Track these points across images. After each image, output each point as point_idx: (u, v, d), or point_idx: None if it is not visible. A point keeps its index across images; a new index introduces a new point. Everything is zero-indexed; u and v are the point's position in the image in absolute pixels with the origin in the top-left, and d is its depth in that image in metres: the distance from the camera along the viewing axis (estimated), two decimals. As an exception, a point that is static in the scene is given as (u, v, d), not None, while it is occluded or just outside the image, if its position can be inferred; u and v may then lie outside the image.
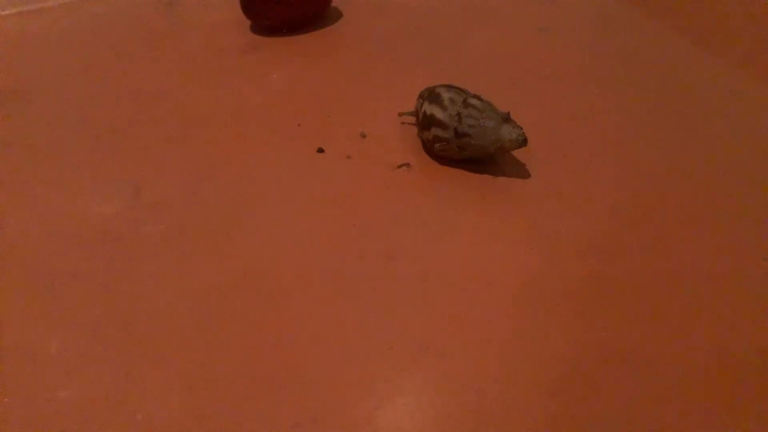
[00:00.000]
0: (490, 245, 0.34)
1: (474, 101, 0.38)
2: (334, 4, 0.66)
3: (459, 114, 0.37)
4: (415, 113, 0.42)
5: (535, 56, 0.53)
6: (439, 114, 0.38)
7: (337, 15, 0.64)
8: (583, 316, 0.29)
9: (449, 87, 0.40)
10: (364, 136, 0.44)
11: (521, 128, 0.36)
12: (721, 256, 0.32)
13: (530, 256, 0.33)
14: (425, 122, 0.39)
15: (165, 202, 0.38)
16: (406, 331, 0.29)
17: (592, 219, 0.35)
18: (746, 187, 0.37)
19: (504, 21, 0.60)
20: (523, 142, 0.36)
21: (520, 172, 0.39)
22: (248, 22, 0.63)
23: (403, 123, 0.45)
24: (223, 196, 0.39)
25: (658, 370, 0.27)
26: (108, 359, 0.29)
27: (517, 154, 0.40)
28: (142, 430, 0.26)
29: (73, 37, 0.62)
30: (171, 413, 0.26)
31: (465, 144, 0.37)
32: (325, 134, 0.44)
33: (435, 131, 0.38)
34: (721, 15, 0.59)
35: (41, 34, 0.63)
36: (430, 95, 0.40)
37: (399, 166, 0.40)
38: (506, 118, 0.37)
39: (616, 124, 0.43)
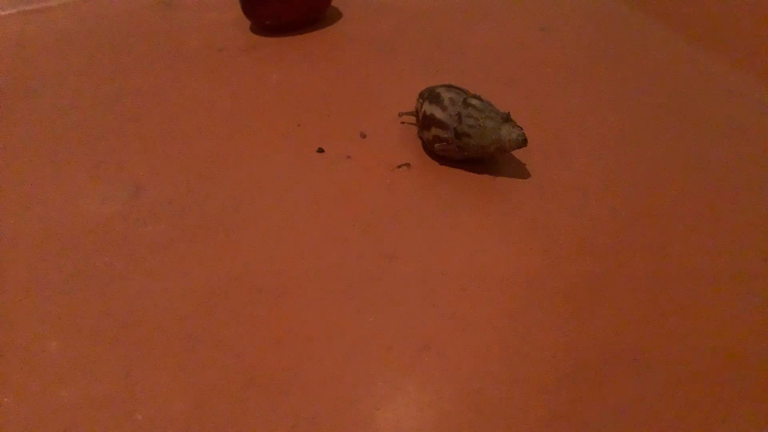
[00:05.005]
0: (490, 245, 0.34)
1: (474, 101, 0.38)
2: (334, 4, 0.66)
3: (459, 114, 0.37)
4: (415, 113, 0.42)
5: (535, 56, 0.53)
6: (439, 114, 0.38)
7: (337, 15, 0.64)
8: (583, 316, 0.29)
9: (449, 87, 0.40)
10: (364, 136, 0.44)
11: (521, 128, 0.36)
12: (721, 256, 0.32)
13: (530, 256, 0.33)
14: (425, 122, 0.39)
15: (165, 202, 0.38)
16: (406, 331, 0.29)
17: (592, 219, 0.35)
18: (746, 187, 0.37)
19: (504, 21, 0.60)
20: (523, 142, 0.36)
21: (520, 172, 0.39)
22: (248, 22, 0.63)
23: (403, 123, 0.45)
24: (223, 196, 0.39)
25: (658, 369, 0.27)
26: (108, 359, 0.29)
27: (517, 154, 0.40)
28: (142, 430, 0.26)
29: (73, 37, 0.62)
30: (171, 413, 0.26)
31: (465, 144, 0.37)
32: (325, 134, 0.44)
33: (435, 131, 0.38)
34: (721, 15, 0.59)
35: (41, 34, 0.63)
36: (430, 95, 0.40)
37: (399, 166, 0.40)
38: (506, 118, 0.37)
39: (616, 123, 0.43)
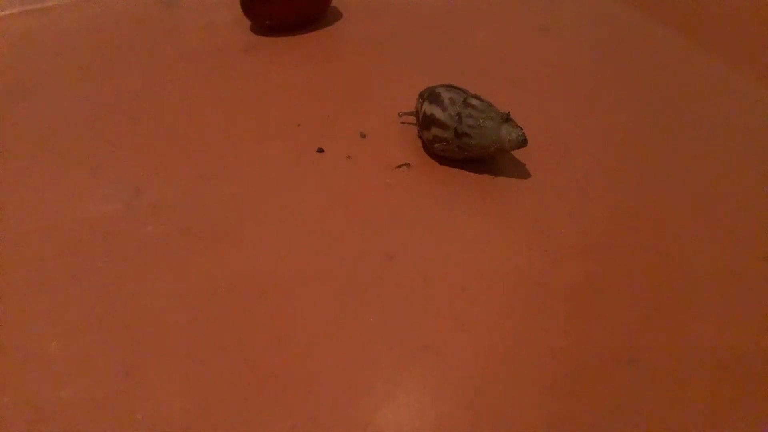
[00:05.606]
0: (490, 245, 0.34)
1: (474, 101, 0.38)
2: (334, 4, 0.66)
3: (459, 114, 0.37)
4: (415, 113, 0.42)
5: (535, 56, 0.53)
6: (439, 114, 0.38)
7: (337, 15, 0.64)
8: (583, 316, 0.29)
9: (449, 87, 0.40)
10: (364, 136, 0.44)
11: (521, 128, 0.36)
12: (721, 256, 0.32)
13: (530, 256, 0.33)
14: (425, 122, 0.39)
15: (165, 202, 0.38)
16: (406, 331, 0.29)
17: (592, 219, 0.35)
18: (746, 187, 0.37)
19: (504, 21, 0.60)
20: (523, 142, 0.36)
21: (520, 172, 0.39)
22: (248, 22, 0.63)
23: (403, 123, 0.45)
24: (223, 196, 0.39)
25: (657, 369, 0.27)
26: (108, 359, 0.29)
27: (517, 154, 0.40)
28: (142, 430, 0.26)
29: (73, 37, 0.62)
30: (171, 413, 0.26)
31: (465, 144, 0.37)
32: (325, 134, 0.44)
33: (435, 131, 0.38)
34: (721, 15, 0.59)
35: (42, 33, 0.63)
36: (430, 95, 0.40)
37: (399, 166, 0.40)
38: (506, 118, 0.37)
39: (616, 124, 0.43)
